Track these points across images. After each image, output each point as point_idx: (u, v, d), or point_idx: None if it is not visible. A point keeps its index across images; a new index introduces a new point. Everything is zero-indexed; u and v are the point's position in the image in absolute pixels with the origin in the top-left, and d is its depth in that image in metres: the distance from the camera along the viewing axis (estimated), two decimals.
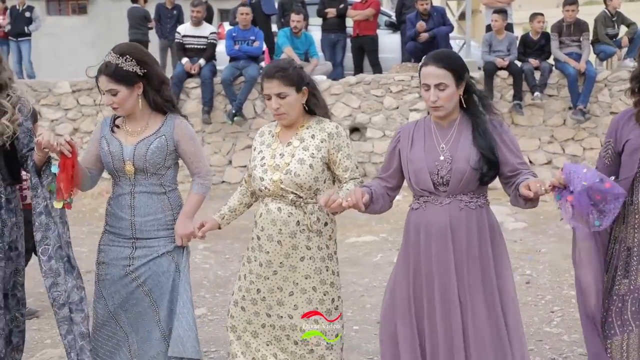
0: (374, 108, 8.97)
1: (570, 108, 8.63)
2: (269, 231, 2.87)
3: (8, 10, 10.67)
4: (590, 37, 8.80)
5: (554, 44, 8.64)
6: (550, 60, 8.86)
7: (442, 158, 2.67)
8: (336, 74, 9.40)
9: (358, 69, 9.65)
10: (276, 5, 10.28)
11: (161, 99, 2.94)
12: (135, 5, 10.88)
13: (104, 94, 2.89)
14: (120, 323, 2.98)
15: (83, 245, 6.40)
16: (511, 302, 2.70)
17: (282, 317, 2.91)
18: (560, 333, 4.45)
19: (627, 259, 2.89)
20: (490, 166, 2.64)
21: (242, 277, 2.98)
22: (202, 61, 8.92)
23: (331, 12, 9.61)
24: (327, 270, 2.88)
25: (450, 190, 2.67)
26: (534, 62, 8.60)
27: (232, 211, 3.06)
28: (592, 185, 2.41)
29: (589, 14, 10.46)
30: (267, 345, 2.95)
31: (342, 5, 9.60)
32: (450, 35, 9.54)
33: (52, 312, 4.82)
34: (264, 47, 9.28)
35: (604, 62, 9.70)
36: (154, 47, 11.03)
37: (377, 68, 9.62)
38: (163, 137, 2.93)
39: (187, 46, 9.03)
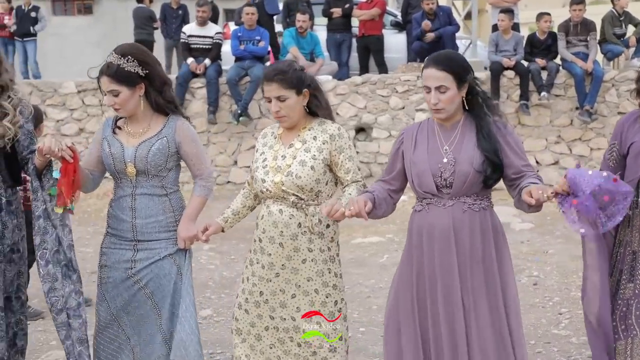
0: (380, 108, 8.94)
1: (577, 108, 8.58)
2: (270, 233, 2.85)
3: (14, 11, 10.67)
4: (598, 37, 8.74)
5: (561, 44, 8.60)
6: (557, 60, 8.82)
7: (445, 160, 2.65)
8: (342, 74, 9.37)
9: (364, 69, 9.62)
10: (281, 5, 10.26)
11: (163, 100, 2.92)
12: (140, 5, 10.87)
13: (105, 94, 2.87)
14: (122, 326, 2.97)
15: (88, 246, 6.39)
16: (514, 306, 2.68)
17: (285, 319, 2.89)
18: (568, 335, 4.42)
19: (632, 262, 2.86)
20: (495, 169, 2.62)
21: (245, 280, 2.96)
22: (207, 61, 8.90)
23: (337, 11, 9.58)
24: (329, 273, 2.86)
25: (453, 192, 2.65)
26: (540, 62, 8.56)
27: (236, 214, 3.04)
28: (599, 184, 2.38)
29: (596, 13, 10.41)
30: (271, 348, 2.93)
31: (347, 5, 9.57)
32: (457, 35, 9.50)
33: None
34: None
35: (611, 62, 9.64)
36: (159, 47, 11.03)
37: (382, 68, 9.59)
38: (165, 138, 2.91)
39: (193, 46, 9.01)
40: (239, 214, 3.05)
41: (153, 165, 2.89)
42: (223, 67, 9.11)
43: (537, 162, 8.74)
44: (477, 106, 2.69)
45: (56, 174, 2.76)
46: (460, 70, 2.63)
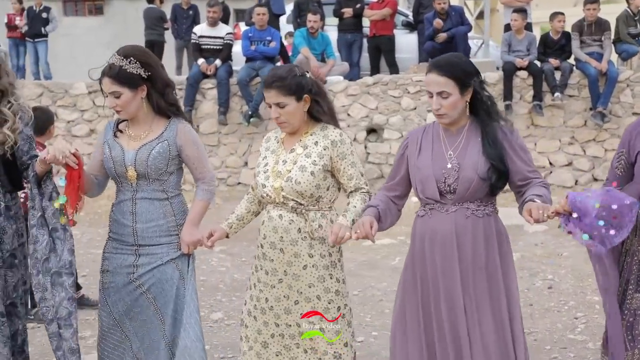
0: (392, 109, 8.88)
1: (591, 109, 8.49)
2: (271, 239, 2.83)
3: (25, 12, 10.70)
4: (612, 37, 8.64)
5: (575, 44, 8.50)
6: (571, 60, 8.72)
7: (449, 166, 2.61)
8: (352, 75, 9.32)
9: (375, 69, 9.57)
10: (292, 5, 10.23)
11: (165, 102, 2.89)
12: (151, 5, 10.87)
13: (107, 96, 2.84)
14: (125, 332, 2.93)
15: (99, 248, 6.29)
16: (517, 312, 2.65)
17: (290, 325, 2.86)
18: (584, 340, 4.35)
19: (639, 272, 2.80)
20: (500, 176, 2.59)
21: (252, 286, 2.94)
22: (218, 62, 8.87)
23: (348, 12, 9.53)
24: (330, 278, 2.82)
25: (456, 198, 2.61)
26: (554, 62, 8.47)
27: (240, 220, 3.01)
28: (601, 204, 2.34)
29: (610, 12, 10.28)
30: (277, 355, 2.90)
31: (358, 5, 9.52)
32: (468, 35, 9.42)
33: None
34: None
35: (626, 62, 9.52)
36: (170, 47, 11.03)
37: (394, 68, 9.54)
38: (165, 142, 2.87)
39: (203, 47, 8.99)
40: (244, 219, 3.02)
41: (153, 169, 2.85)
42: (234, 68, 9.08)
43: (550, 163, 8.66)
44: (482, 111, 2.65)
45: (62, 182, 2.74)
46: (462, 75, 2.59)
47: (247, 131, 9.06)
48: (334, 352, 2.82)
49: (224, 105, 8.90)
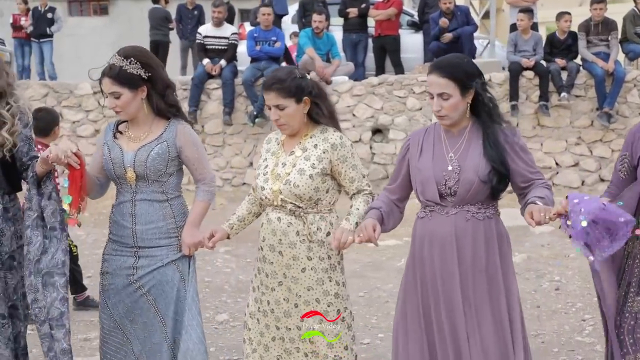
0: (397, 109, 8.85)
1: (597, 109, 8.44)
2: (270, 241, 2.82)
3: (30, 12, 10.70)
4: (619, 36, 8.59)
5: (582, 44, 8.46)
6: (578, 60, 8.67)
7: (450, 168, 2.60)
8: (357, 75, 9.29)
9: (380, 70, 9.54)
10: (296, 5, 10.20)
11: (165, 104, 2.88)
12: (156, 5, 10.86)
13: (106, 97, 2.83)
14: (127, 334, 2.92)
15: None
16: (516, 316, 2.63)
17: (290, 329, 2.84)
18: (592, 342, 4.32)
19: None
20: (501, 179, 2.57)
21: (255, 289, 2.94)
22: (223, 62, 8.86)
23: (353, 11, 9.50)
24: (330, 281, 2.80)
25: (457, 200, 2.60)
26: (560, 62, 8.43)
27: (241, 220, 3.00)
28: (594, 217, 2.34)
29: (617, 12, 10.22)
30: (278, 359, 2.89)
31: (363, 5, 9.49)
32: (474, 35, 9.38)
33: (73, 318, 4.81)
34: None
35: (633, 62, 9.47)
36: (174, 47, 11.02)
37: (399, 68, 9.50)
38: (165, 143, 2.86)
39: (208, 47, 8.97)
40: (245, 220, 3.01)
41: (152, 170, 2.84)
42: (239, 68, 9.07)
43: (556, 163, 8.62)
44: (483, 113, 2.63)
45: (65, 182, 2.73)
46: (463, 76, 2.57)
47: (252, 132, 9.04)
48: (335, 355, 2.81)
49: (229, 105, 8.88)
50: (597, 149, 8.58)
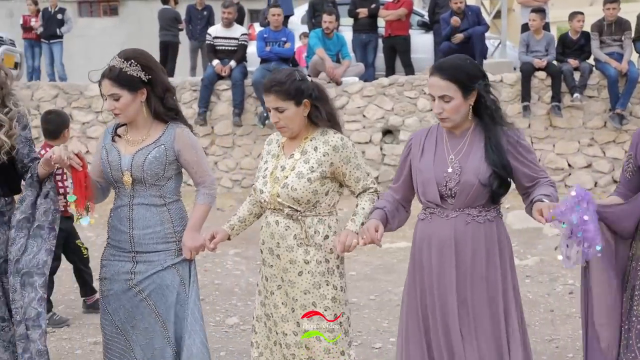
0: (408, 110, 8.79)
1: (611, 110, 8.36)
2: (268, 244, 2.81)
3: (40, 13, 10.72)
4: (632, 36, 8.49)
5: (594, 44, 8.37)
6: (591, 61, 8.59)
7: (450, 170, 2.58)
8: (367, 75, 9.25)
9: (390, 70, 9.49)
10: (306, 6, 10.16)
11: (163, 107, 2.85)
12: (165, 6, 10.85)
13: (106, 99, 2.81)
14: (129, 340, 2.89)
15: None
16: (514, 322, 2.60)
17: (286, 334, 2.81)
18: None
19: None
20: (501, 183, 2.55)
21: (260, 292, 2.93)
22: (232, 63, 8.83)
23: (363, 12, 9.45)
24: (327, 285, 2.77)
25: (457, 203, 2.58)
26: (573, 62, 8.34)
27: (242, 221, 2.98)
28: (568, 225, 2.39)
29: (630, 11, 10.12)
30: None
31: (373, 5, 9.44)
32: (485, 35, 9.31)
33: (82, 321, 4.81)
34: None
35: None
36: (184, 48, 11.00)
37: (409, 69, 9.45)
38: (162, 146, 2.83)
39: (218, 48, 8.94)
40: (246, 221, 2.99)
41: (150, 174, 2.81)
42: (249, 69, 9.03)
43: (569, 164, 8.54)
44: (485, 115, 2.60)
45: (70, 184, 2.75)
46: (465, 79, 2.54)
47: (262, 133, 9.00)
48: None
49: (238, 106, 8.85)
50: (610, 150, 8.49)
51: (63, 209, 4.44)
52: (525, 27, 9.07)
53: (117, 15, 19.30)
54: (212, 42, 8.97)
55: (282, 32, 8.84)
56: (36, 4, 10.79)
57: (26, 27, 10.80)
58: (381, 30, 9.60)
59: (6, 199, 2.85)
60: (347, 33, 9.47)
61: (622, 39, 8.34)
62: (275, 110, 2.75)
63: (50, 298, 4.79)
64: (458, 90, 2.53)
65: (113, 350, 2.93)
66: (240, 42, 8.92)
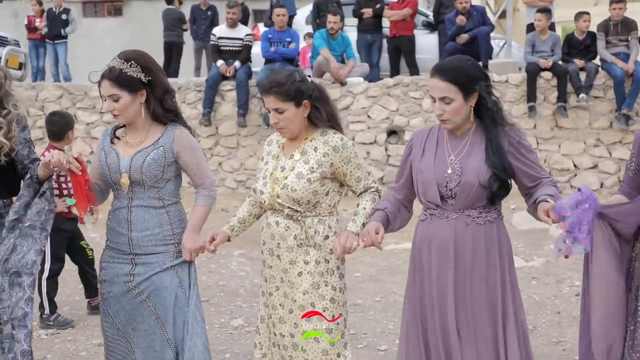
0: (413, 110, 8.77)
1: (617, 110, 8.32)
2: (269, 245, 2.81)
3: (45, 13, 10.72)
4: (639, 36, 8.45)
5: (600, 44, 8.34)
6: (597, 61, 8.55)
7: (450, 171, 2.57)
8: (372, 76, 9.22)
9: (395, 70, 9.46)
10: (310, 6, 10.14)
11: (162, 109, 2.84)
12: (170, 6, 10.85)
13: (105, 100, 2.80)
14: (130, 342, 2.88)
15: None
16: (510, 323, 2.58)
17: (284, 335, 2.80)
18: None
19: None
20: (501, 186, 2.54)
21: (263, 293, 2.92)
22: (237, 63, 8.81)
23: (367, 12, 9.43)
24: (325, 286, 2.76)
25: (456, 204, 2.57)
26: (579, 62, 8.31)
27: (242, 223, 2.97)
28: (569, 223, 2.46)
29: (637, 11, 10.08)
30: None
31: (378, 5, 9.42)
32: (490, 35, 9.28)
33: (87, 322, 4.80)
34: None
35: None
36: (188, 48, 11.00)
37: (414, 69, 9.41)
38: (161, 148, 2.82)
39: (223, 48, 8.93)
40: (245, 223, 2.97)
41: (149, 176, 2.80)
42: (253, 69, 9.02)
43: (575, 165, 8.51)
44: (486, 117, 2.59)
45: (72, 190, 2.76)
46: (465, 80, 2.53)
47: (267, 133, 8.97)
48: None
49: (243, 107, 8.84)
50: (617, 151, 8.45)
51: (67, 210, 4.44)
52: (530, 27, 9.04)
53: (122, 15, 19.33)
54: (216, 43, 8.95)
55: (286, 33, 8.82)
56: (41, 4, 10.80)
57: (31, 28, 10.81)
58: (386, 31, 9.57)
59: (4, 200, 2.85)
60: (351, 33, 9.45)
61: (629, 39, 8.31)
62: (275, 111, 2.74)
63: (55, 299, 4.78)
64: (459, 91, 2.52)
65: (115, 352, 2.92)
66: (244, 43, 8.90)
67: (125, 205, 2.84)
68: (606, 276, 2.69)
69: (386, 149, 8.81)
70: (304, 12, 10.60)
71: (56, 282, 4.81)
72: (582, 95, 8.24)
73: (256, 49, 9.09)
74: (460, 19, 8.73)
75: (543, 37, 8.49)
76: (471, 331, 2.58)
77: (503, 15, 10.49)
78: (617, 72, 8.13)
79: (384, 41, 9.57)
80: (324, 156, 2.74)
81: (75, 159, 2.72)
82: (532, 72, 8.33)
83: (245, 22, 9.98)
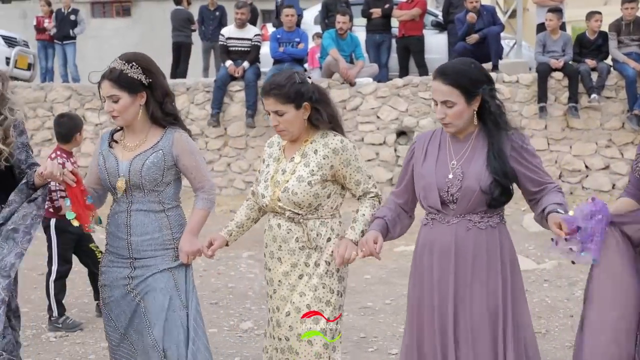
0: (422, 111, 8.71)
1: (629, 111, 8.24)
2: (270, 248, 2.80)
3: (54, 14, 10.73)
4: None
5: (612, 44, 8.25)
6: (608, 61, 8.47)
7: (451, 176, 2.54)
8: (381, 76, 9.17)
9: (404, 70, 9.41)
10: (319, 6, 10.11)
11: (162, 112, 2.82)
12: (178, 7, 10.84)
13: (104, 101, 2.79)
14: (134, 345, 2.87)
15: None
16: (508, 327, 2.54)
17: (280, 339, 2.78)
18: None
19: None
20: (502, 192, 2.50)
21: (267, 295, 2.91)
22: (246, 64, 8.78)
23: (376, 12, 9.38)
24: (323, 288, 2.73)
25: (458, 209, 2.54)
26: (590, 62, 8.23)
27: (240, 227, 2.94)
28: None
29: None
30: None
31: (387, 5, 9.37)
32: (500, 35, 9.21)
33: (96, 325, 4.77)
34: None
35: None
36: (197, 49, 10.98)
37: (423, 69, 9.36)
38: (160, 151, 2.80)
39: (231, 48, 8.91)
40: (243, 227, 2.95)
41: (148, 180, 2.78)
42: (262, 70, 8.99)
43: (586, 166, 8.43)
44: (489, 121, 2.55)
45: (67, 202, 2.72)
46: (468, 84, 2.49)
47: (275, 134, 8.94)
48: None
49: (251, 107, 8.80)
50: (629, 152, 8.35)
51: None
52: (540, 27, 8.97)
53: (130, 16, 19.36)
54: (225, 43, 8.93)
55: (295, 33, 8.79)
56: (49, 5, 10.82)
57: (39, 28, 10.82)
58: (395, 31, 9.53)
59: (2, 205, 2.82)
60: (360, 33, 9.40)
61: None
62: (274, 114, 2.71)
63: (63, 301, 4.76)
64: (461, 95, 2.49)
65: (120, 356, 2.91)
66: (253, 43, 8.87)
67: (125, 209, 2.83)
68: (619, 279, 2.65)
69: (395, 150, 8.76)
70: (312, 12, 10.56)
71: (64, 284, 4.79)
72: (593, 95, 8.16)
73: (265, 50, 9.06)
74: (471, 16, 8.67)
75: (554, 37, 8.42)
76: (469, 337, 2.55)
77: (513, 15, 10.42)
78: (629, 72, 8.05)
79: (393, 41, 9.53)
80: (324, 159, 2.72)
81: (71, 171, 2.69)
82: (543, 72, 8.26)
83: (254, 22, 9.95)
